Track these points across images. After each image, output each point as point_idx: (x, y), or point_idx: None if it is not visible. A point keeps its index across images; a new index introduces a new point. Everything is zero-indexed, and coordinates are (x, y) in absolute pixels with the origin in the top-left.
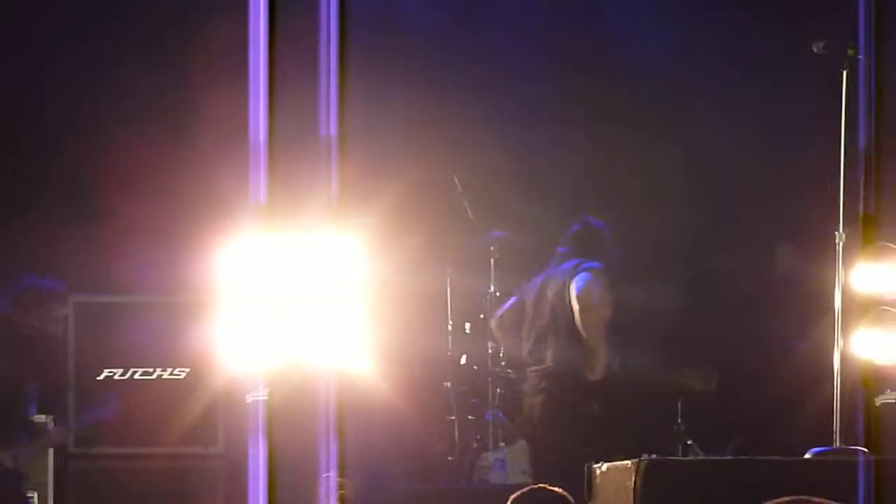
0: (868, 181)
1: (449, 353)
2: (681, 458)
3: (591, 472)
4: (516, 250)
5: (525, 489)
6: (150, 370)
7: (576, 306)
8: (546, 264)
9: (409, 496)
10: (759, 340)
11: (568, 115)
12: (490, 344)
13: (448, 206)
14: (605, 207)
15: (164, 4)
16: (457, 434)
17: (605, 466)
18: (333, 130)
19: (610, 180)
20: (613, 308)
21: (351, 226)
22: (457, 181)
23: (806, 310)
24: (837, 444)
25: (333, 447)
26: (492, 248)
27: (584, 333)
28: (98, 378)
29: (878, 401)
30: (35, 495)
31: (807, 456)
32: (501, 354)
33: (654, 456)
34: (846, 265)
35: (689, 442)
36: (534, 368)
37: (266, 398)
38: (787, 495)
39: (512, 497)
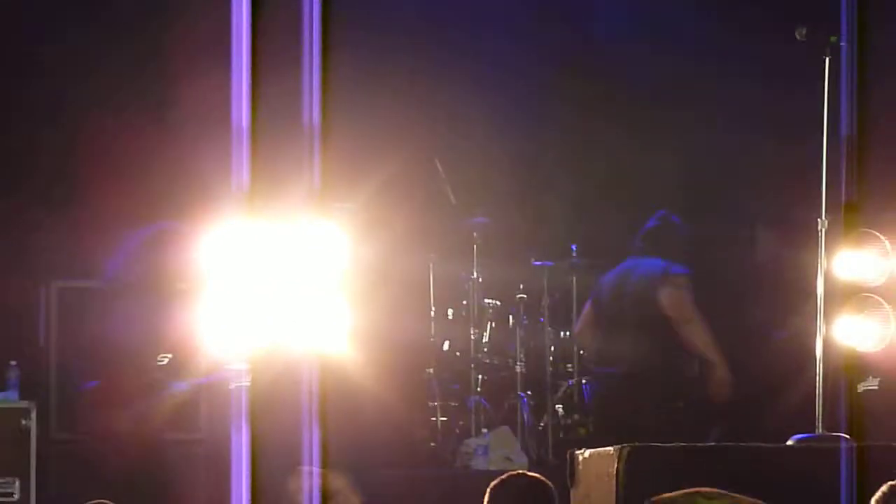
0: (850, 168)
1: (431, 340)
2: (662, 444)
3: (573, 458)
4: (499, 236)
5: (503, 476)
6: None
7: (674, 316)
8: (528, 251)
9: (392, 482)
10: (742, 328)
11: (550, 102)
12: (473, 330)
13: (430, 192)
14: (583, 194)
15: None
16: (439, 420)
17: (587, 453)
18: (316, 118)
19: (588, 165)
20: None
21: (333, 212)
22: (439, 167)
23: (788, 297)
24: (820, 430)
25: (316, 433)
26: (474, 233)
27: (695, 347)
28: (80, 364)
29: (861, 387)
30: (17, 481)
31: (789, 442)
32: (484, 341)
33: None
34: (828, 252)
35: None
36: (605, 369)
37: (249, 384)
38: (771, 481)
39: (491, 484)
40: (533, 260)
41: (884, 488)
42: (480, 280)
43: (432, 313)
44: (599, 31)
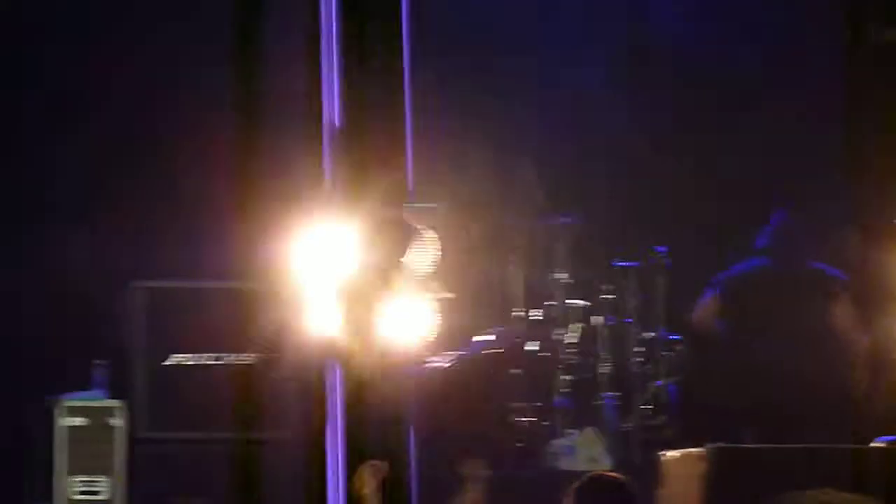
0: None
1: (517, 340)
2: (750, 445)
3: (659, 459)
4: (585, 236)
5: (584, 477)
6: (220, 356)
7: (843, 326)
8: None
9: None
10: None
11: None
12: (558, 331)
13: (516, 192)
14: (672, 194)
15: None
16: (525, 421)
17: (673, 454)
18: (408, 115)
19: (678, 165)
20: None
21: (421, 212)
22: (525, 166)
23: (869, 297)
24: None
25: (410, 432)
26: (561, 233)
27: (855, 357)
28: (167, 363)
29: None
30: (104, 479)
31: (874, 444)
32: (570, 341)
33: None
34: None
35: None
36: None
37: (339, 383)
38: (856, 483)
39: (572, 485)
40: (619, 260)
41: None
42: (568, 281)
43: (518, 314)
44: (691, 27)
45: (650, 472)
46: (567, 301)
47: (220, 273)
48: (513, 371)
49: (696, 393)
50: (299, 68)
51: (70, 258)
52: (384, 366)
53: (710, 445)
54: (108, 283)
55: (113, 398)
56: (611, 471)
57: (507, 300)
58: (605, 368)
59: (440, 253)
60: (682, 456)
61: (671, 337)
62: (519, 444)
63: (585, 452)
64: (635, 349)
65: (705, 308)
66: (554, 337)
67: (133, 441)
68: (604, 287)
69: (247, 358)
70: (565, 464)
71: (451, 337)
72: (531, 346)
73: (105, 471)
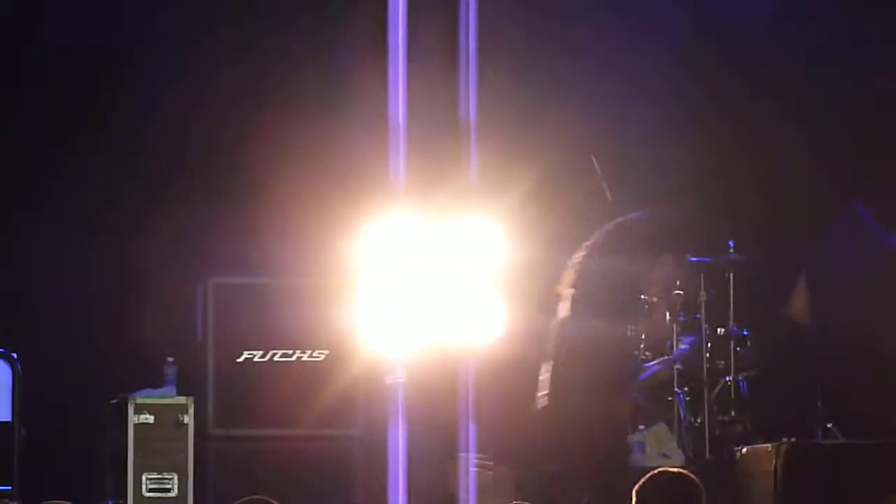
0: None
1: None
2: (822, 441)
3: (731, 454)
4: (655, 232)
5: (648, 475)
6: (290, 352)
7: None
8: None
9: (548, 477)
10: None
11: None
12: (629, 327)
13: (587, 189)
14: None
15: None
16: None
17: (745, 449)
18: (472, 113)
19: (746, 160)
20: None
21: (490, 208)
22: (595, 163)
23: None
24: None
25: (472, 430)
26: (631, 230)
27: None
28: (238, 360)
29: None
30: (175, 476)
31: None
32: (643, 338)
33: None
34: None
35: (828, 426)
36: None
37: (406, 380)
38: None
39: (637, 484)
40: (690, 256)
41: None
42: (637, 276)
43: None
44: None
45: (721, 468)
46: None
47: (291, 270)
48: None
49: (770, 388)
50: (367, 68)
51: (141, 255)
52: (447, 362)
53: (783, 441)
54: (180, 280)
55: (183, 395)
56: (681, 467)
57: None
58: (676, 364)
59: (507, 250)
60: (755, 451)
61: (742, 333)
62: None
63: (656, 448)
64: (706, 344)
65: (798, 296)
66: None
67: (203, 438)
68: (676, 283)
69: (317, 355)
70: (637, 459)
71: (520, 331)
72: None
73: (175, 468)
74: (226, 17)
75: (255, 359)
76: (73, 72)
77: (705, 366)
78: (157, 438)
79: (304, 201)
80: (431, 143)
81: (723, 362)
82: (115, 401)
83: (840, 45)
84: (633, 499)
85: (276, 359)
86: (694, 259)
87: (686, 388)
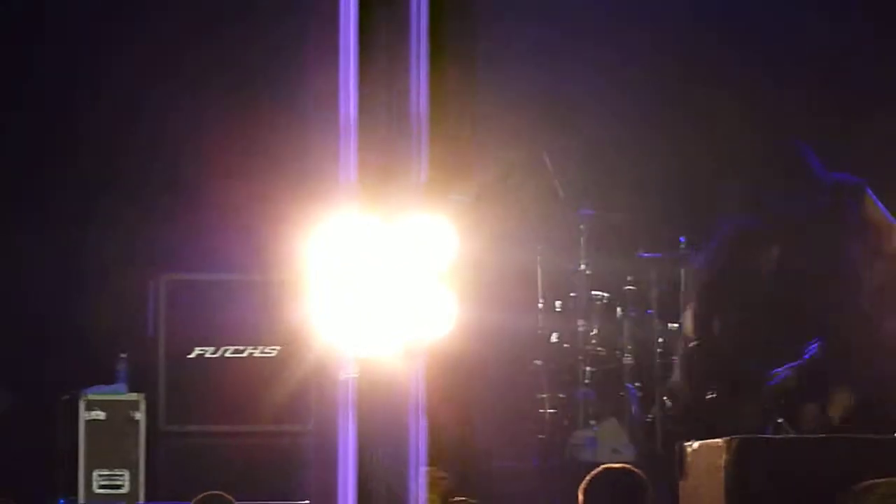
0: None
1: (539, 332)
2: (773, 436)
3: (682, 450)
4: (606, 228)
5: (594, 472)
6: (242, 348)
7: None
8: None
9: (500, 474)
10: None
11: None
12: (581, 322)
13: (538, 186)
14: (692, 185)
15: None
16: (547, 412)
17: (696, 444)
18: (423, 111)
19: (698, 157)
20: None
21: (441, 205)
22: (547, 161)
23: None
24: None
25: (423, 426)
26: (581, 225)
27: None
28: (189, 356)
29: None
30: (126, 472)
31: None
32: (592, 332)
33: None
34: None
35: (779, 420)
36: None
37: (356, 377)
38: (883, 475)
39: (584, 482)
40: (641, 251)
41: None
42: (588, 272)
43: (540, 305)
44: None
45: (672, 464)
46: (591, 293)
47: (243, 266)
48: (535, 362)
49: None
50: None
51: (92, 250)
52: (398, 359)
53: (732, 437)
54: (131, 276)
55: (134, 391)
56: (632, 462)
57: (530, 291)
58: (627, 360)
59: (458, 247)
60: (706, 446)
61: None
62: (541, 437)
63: (608, 444)
64: (658, 340)
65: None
66: (577, 328)
67: (155, 434)
68: (627, 278)
69: (269, 351)
70: (587, 455)
71: (472, 328)
72: (554, 338)
73: (126, 464)
74: (176, 14)
75: (207, 355)
76: (18, 61)
77: (657, 361)
78: (109, 435)
79: (255, 198)
80: (382, 141)
81: (675, 358)
82: (66, 397)
83: (806, 45)
84: (581, 498)
85: (227, 355)
86: (645, 255)
87: (637, 384)
